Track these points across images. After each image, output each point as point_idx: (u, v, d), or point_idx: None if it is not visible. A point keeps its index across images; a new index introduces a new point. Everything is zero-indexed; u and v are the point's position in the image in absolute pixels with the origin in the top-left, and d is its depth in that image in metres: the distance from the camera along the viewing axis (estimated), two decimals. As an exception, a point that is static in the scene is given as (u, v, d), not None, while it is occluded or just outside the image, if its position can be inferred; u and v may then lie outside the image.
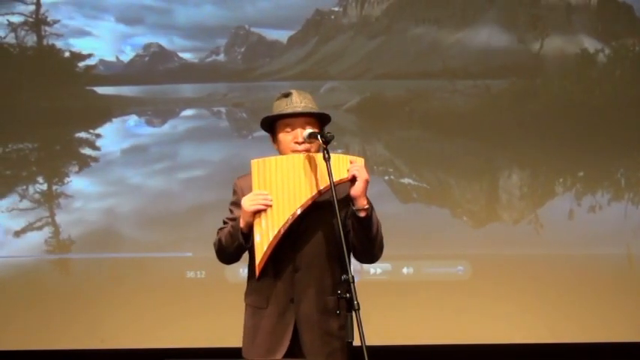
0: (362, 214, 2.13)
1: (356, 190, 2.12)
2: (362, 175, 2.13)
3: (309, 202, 2.16)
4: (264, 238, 2.15)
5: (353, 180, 2.13)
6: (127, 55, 4.62)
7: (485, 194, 4.40)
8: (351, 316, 1.94)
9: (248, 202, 2.16)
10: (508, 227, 4.36)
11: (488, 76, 4.42)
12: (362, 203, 2.14)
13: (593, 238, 4.28)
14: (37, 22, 4.53)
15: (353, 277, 1.96)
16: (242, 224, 2.18)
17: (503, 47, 4.48)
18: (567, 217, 4.31)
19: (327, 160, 2.09)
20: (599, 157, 4.37)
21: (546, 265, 4.23)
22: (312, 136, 2.20)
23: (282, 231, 2.15)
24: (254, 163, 2.22)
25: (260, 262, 2.16)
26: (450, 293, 4.14)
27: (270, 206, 2.15)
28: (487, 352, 3.99)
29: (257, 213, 2.15)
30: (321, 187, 2.16)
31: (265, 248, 2.14)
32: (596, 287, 4.16)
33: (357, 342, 1.92)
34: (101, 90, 4.59)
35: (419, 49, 4.54)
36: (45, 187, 4.53)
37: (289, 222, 2.15)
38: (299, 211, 2.15)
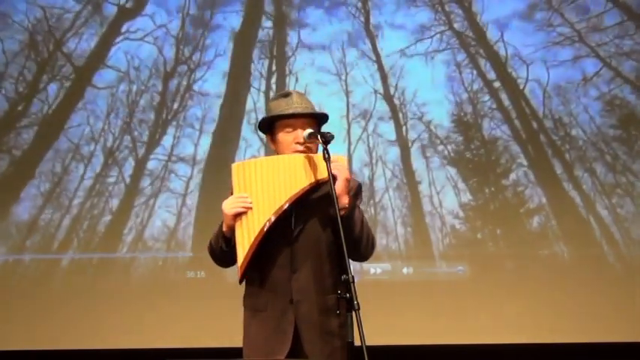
0: (341, 213, 2.08)
1: (337, 188, 2.09)
2: (342, 174, 2.11)
3: (290, 203, 2.13)
4: (244, 240, 2.12)
5: (334, 179, 2.09)
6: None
7: (489, 194, 4.36)
8: (351, 316, 1.92)
9: (228, 206, 2.15)
10: (509, 228, 4.32)
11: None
12: (343, 202, 2.12)
13: (594, 239, 4.23)
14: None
15: (353, 277, 1.94)
16: (224, 228, 2.18)
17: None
18: (568, 218, 4.27)
19: (327, 160, 2.08)
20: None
21: (546, 265, 4.20)
22: (311, 136, 2.18)
23: (263, 232, 2.12)
24: (234, 166, 2.21)
25: (242, 264, 2.13)
26: (450, 293, 4.10)
27: (250, 209, 2.13)
28: (487, 352, 3.96)
29: (237, 216, 2.14)
30: (302, 187, 2.14)
31: (247, 250, 2.12)
32: (597, 287, 4.11)
33: (357, 342, 1.90)
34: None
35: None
36: (48, 185, 4.56)
37: (269, 224, 2.12)
38: (276, 215, 2.12)
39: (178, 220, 4.47)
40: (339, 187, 2.10)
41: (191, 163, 4.62)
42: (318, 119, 2.28)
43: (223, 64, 4.70)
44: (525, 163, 4.36)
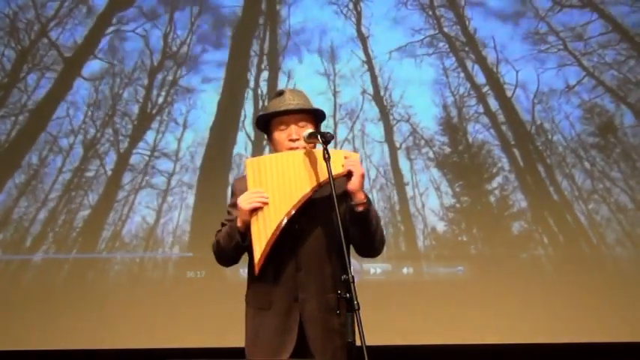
0: (360, 209, 2.12)
1: (353, 184, 2.11)
2: (358, 170, 2.11)
3: (307, 199, 2.13)
4: (262, 236, 2.12)
5: (349, 175, 2.11)
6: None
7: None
8: (351, 316, 1.92)
9: (244, 201, 2.13)
10: (508, 228, 4.35)
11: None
12: (359, 198, 2.13)
13: (593, 240, 4.30)
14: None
15: (353, 277, 1.94)
16: (239, 223, 2.16)
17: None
18: (567, 219, 4.32)
19: (327, 159, 2.08)
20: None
21: (546, 265, 4.24)
22: (312, 135, 2.18)
23: (280, 228, 2.12)
24: (248, 162, 2.20)
25: (259, 261, 2.12)
26: (450, 293, 4.10)
27: (267, 204, 2.12)
28: (487, 352, 3.98)
29: (254, 211, 2.13)
30: (318, 183, 2.13)
31: (264, 246, 2.11)
32: (596, 287, 4.17)
33: (357, 342, 1.91)
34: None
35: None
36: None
37: (286, 219, 2.12)
38: (294, 210, 2.12)
39: (158, 216, 4.43)
40: (356, 183, 2.11)
41: (173, 158, 4.57)
42: (314, 115, 2.28)
43: (210, 60, 4.67)
44: (508, 167, 4.41)
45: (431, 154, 4.43)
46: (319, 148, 2.14)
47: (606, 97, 4.38)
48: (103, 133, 4.61)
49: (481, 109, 4.47)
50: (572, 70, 4.42)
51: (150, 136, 4.59)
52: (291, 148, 2.21)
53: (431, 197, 4.36)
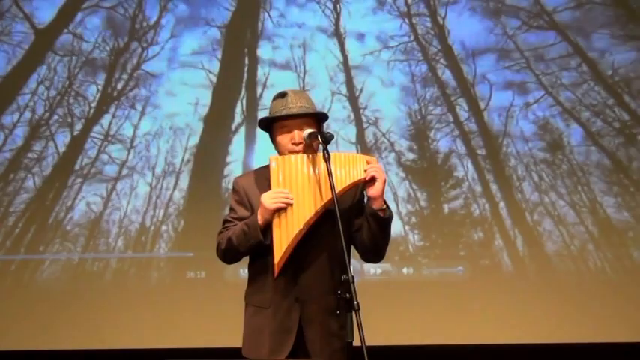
0: (384, 215, 2.14)
1: (376, 190, 2.12)
2: (381, 176, 2.13)
3: (330, 205, 2.11)
4: (283, 236, 2.09)
5: (371, 180, 2.12)
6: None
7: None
8: (351, 316, 1.93)
9: (269, 200, 2.10)
10: (508, 228, 4.42)
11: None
12: (381, 204, 2.14)
13: (592, 240, 4.40)
14: None
15: (353, 277, 1.95)
16: (260, 221, 2.12)
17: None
18: (566, 219, 4.44)
19: (326, 160, 2.08)
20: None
21: (545, 265, 4.33)
22: (311, 136, 2.17)
23: (304, 230, 2.10)
24: (273, 159, 2.17)
25: (279, 261, 2.10)
26: (450, 293, 4.13)
27: (291, 205, 2.10)
28: (487, 352, 4.03)
29: (277, 211, 2.10)
30: (342, 188, 2.13)
31: (285, 247, 2.09)
32: (596, 288, 4.26)
33: (357, 342, 1.92)
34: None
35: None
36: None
37: (311, 222, 2.11)
38: (317, 216, 2.10)
39: (105, 205, 4.25)
40: (379, 189, 2.12)
41: (128, 145, 4.40)
42: (316, 118, 2.26)
43: (178, 47, 4.52)
44: (469, 176, 4.52)
45: (395, 159, 4.51)
46: (341, 152, 2.15)
47: (558, 116, 4.64)
48: (52, 113, 4.37)
49: (448, 119, 4.60)
50: (532, 88, 4.65)
51: (105, 120, 4.39)
52: (294, 152, 2.19)
53: (390, 202, 4.41)
